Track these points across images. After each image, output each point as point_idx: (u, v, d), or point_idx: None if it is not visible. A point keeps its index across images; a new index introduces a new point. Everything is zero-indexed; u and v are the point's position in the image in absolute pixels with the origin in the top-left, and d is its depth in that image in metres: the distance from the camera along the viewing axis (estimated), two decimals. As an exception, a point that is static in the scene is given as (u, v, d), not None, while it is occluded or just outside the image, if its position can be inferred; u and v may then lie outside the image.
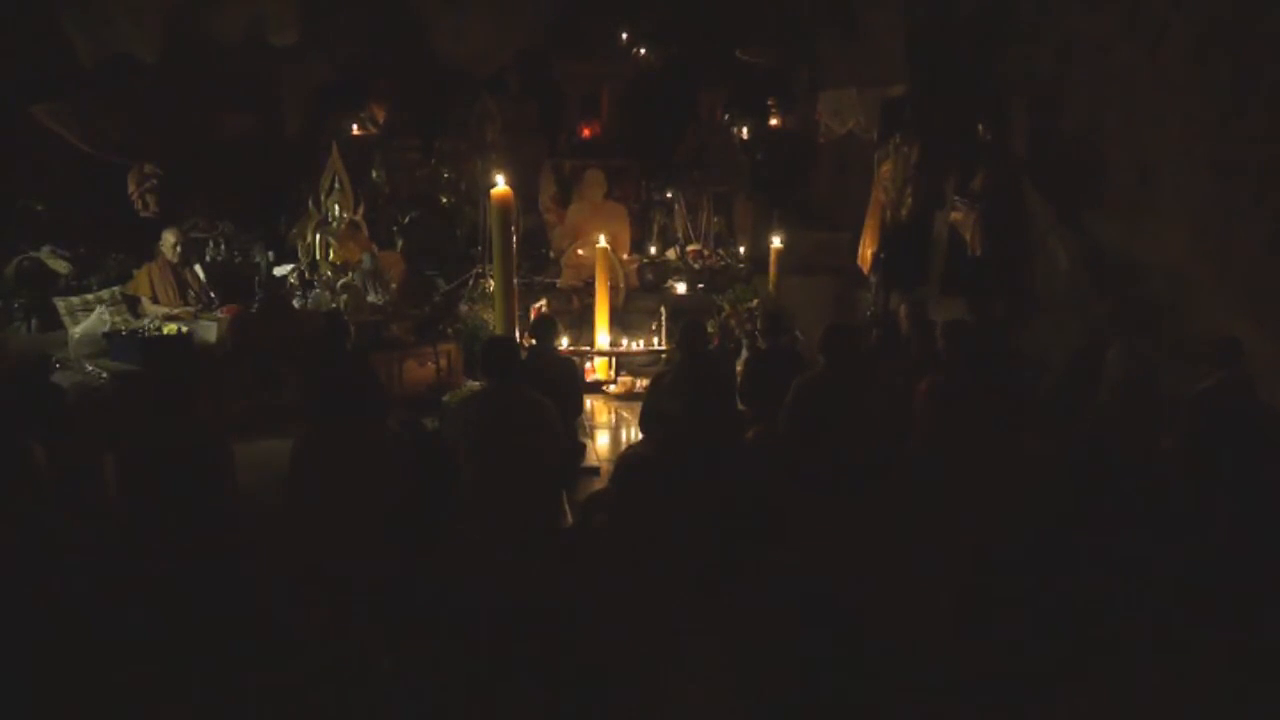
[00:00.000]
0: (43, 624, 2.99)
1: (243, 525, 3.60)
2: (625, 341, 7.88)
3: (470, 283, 8.16)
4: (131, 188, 7.96)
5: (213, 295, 7.00)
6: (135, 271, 6.90)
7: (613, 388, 7.42)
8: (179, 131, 8.48)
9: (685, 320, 5.55)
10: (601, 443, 6.08)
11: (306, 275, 7.33)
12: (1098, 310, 6.64)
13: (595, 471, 5.29)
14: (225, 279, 7.38)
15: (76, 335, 6.30)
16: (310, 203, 7.49)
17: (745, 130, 10.66)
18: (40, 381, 4.28)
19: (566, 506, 4.28)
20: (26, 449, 3.30)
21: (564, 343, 7.42)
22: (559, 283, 8.68)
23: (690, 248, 9.26)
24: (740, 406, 5.27)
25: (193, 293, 6.92)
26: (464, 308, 7.79)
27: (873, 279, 8.06)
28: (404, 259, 8.39)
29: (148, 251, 7.08)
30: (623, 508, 4.24)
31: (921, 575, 3.48)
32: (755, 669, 3.03)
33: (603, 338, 7.69)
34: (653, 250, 9.36)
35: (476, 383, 6.50)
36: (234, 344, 6.24)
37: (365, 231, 7.62)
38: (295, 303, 7.03)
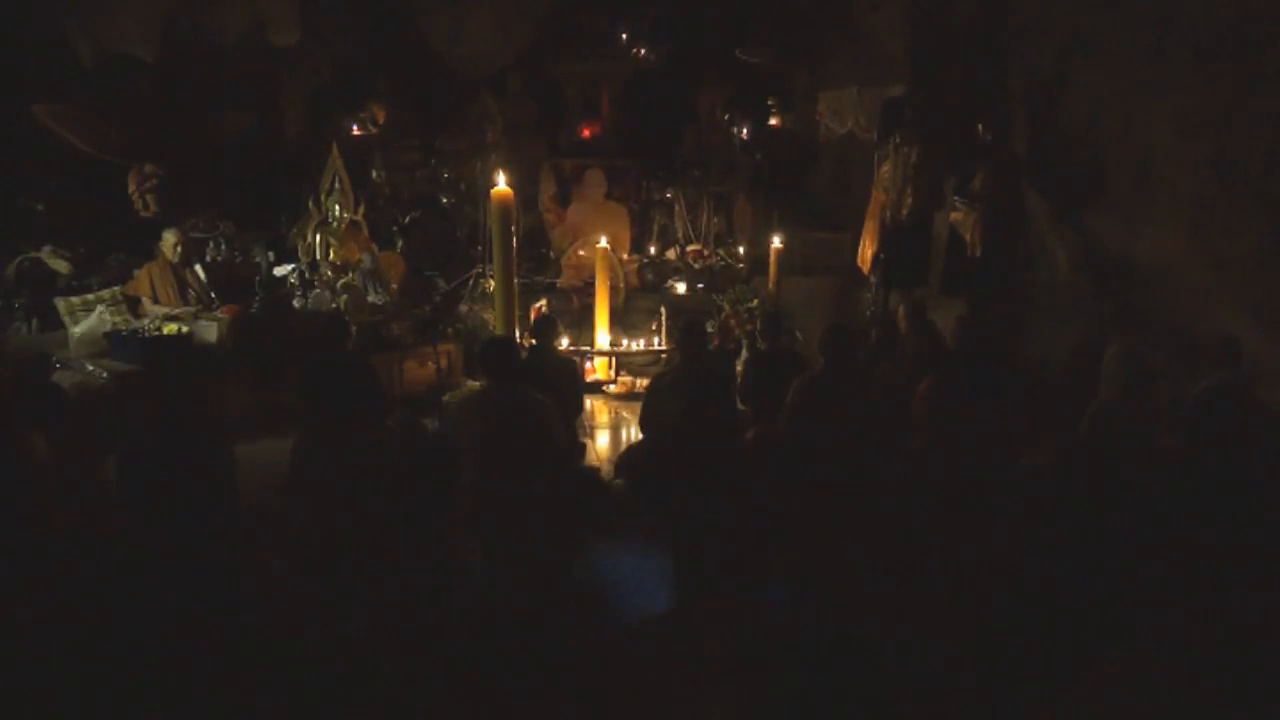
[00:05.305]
0: (42, 624, 2.99)
1: (243, 525, 3.59)
2: (625, 341, 7.89)
3: (470, 283, 8.17)
4: (131, 188, 7.96)
5: (213, 295, 7.00)
6: (136, 271, 6.90)
7: (613, 388, 7.42)
8: (179, 131, 8.47)
9: (685, 320, 5.55)
10: (601, 443, 6.09)
11: (306, 275, 7.33)
12: (1098, 310, 6.63)
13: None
14: (225, 279, 7.38)
15: (76, 335, 6.30)
16: (310, 203, 7.49)
17: (745, 130, 10.67)
18: (40, 381, 4.27)
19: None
20: (26, 439, 3.27)
21: (564, 343, 7.42)
22: (559, 283, 8.69)
23: (690, 248, 9.28)
24: (740, 406, 5.27)
25: (193, 293, 6.91)
26: (464, 308, 7.80)
27: (873, 279, 8.06)
28: (404, 259, 8.39)
29: (148, 251, 7.08)
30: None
31: (922, 575, 3.48)
32: (756, 670, 3.04)
33: (603, 338, 7.69)
34: (653, 250, 9.37)
35: (476, 383, 6.50)
36: (234, 344, 6.24)
37: (365, 231, 7.62)
38: (295, 303, 7.03)
